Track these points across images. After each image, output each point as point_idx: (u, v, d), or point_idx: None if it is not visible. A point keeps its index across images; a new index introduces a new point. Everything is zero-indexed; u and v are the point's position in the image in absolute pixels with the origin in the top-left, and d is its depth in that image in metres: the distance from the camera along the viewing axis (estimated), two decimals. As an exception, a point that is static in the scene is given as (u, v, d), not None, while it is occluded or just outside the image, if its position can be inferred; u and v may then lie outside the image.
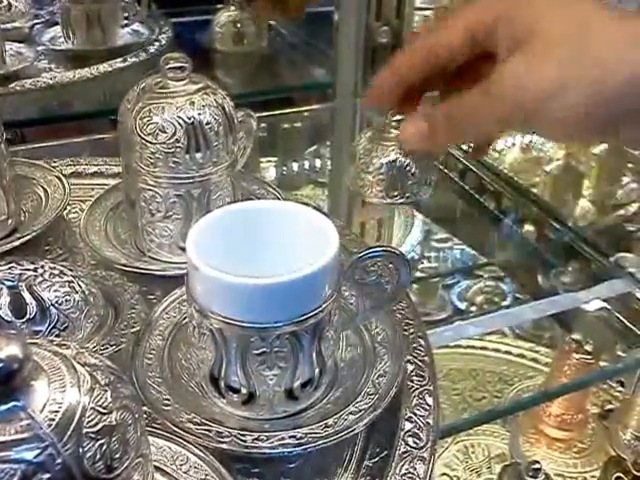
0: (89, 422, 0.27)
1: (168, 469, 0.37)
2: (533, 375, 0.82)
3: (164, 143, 0.51)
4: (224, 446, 0.39)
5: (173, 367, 0.44)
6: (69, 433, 0.26)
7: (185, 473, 0.37)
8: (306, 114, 0.97)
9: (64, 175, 0.61)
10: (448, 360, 0.82)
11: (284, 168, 0.99)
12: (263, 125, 0.89)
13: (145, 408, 0.39)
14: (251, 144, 0.58)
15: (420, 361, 0.47)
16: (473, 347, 0.84)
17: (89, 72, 0.81)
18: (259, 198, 0.60)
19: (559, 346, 0.71)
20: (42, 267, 0.50)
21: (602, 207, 0.99)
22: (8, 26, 0.84)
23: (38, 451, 0.25)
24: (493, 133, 0.49)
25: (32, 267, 0.49)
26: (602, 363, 0.69)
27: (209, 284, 0.39)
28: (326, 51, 0.89)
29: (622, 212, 0.99)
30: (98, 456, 0.26)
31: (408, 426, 0.42)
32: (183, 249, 0.42)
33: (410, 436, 0.42)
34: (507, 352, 0.85)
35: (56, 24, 0.88)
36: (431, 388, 0.45)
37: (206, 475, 0.37)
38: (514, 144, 1.04)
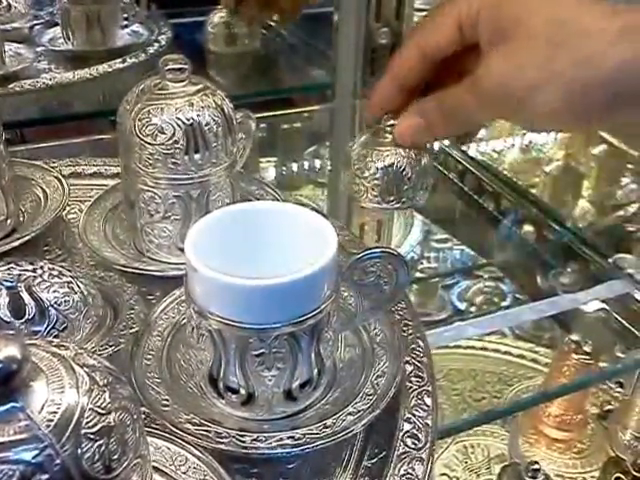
0: (88, 423, 0.27)
1: (167, 470, 0.37)
2: (532, 376, 0.82)
3: (163, 144, 0.51)
4: (223, 447, 0.39)
5: (172, 368, 0.44)
6: (68, 434, 0.26)
7: (184, 474, 0.37)
8: (305, 115, 0.97)
9: (63, 176, 0.61)
10: (448, 360, 0.82)
11: (283, 168, 0.99)
12: (263, 126, 0.89)
13: (144, 409, 0.39)
14: (250, 145, 0.58)
15: (419, 362, 0.47)
16: (473, 347, 0.84)
17: (88, 73, 0.81)
18: (258, 199, 0.60)
19: (558, 347, 0.71)
20: (41, 268, 0.50)
21: (601, 208, 0.99)
22: (8, 27, 0.84)
23: (37, 452, 0.25)
24: (484, 123, 0.50)
25: (31, 268, 0.49)
26: (601, 364, 0.69)
27: (208, 285, 0.39)
28: (326, 52, 0.89)
29: (621, 213, 0.99)
30: (97, 457, 0.26)
31: (407, 427, 0.42)
32: (182, 250, 0.42)
33: (409, 437, 0.42)
34: (507, 352, 0.85)
35: (56, 25, 0.88)
36: (430, 389, 0.45)
37: (205, 475, 0.37)
38: (513, 145, 1.05)
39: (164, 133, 0.50)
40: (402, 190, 0.49)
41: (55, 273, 0.50)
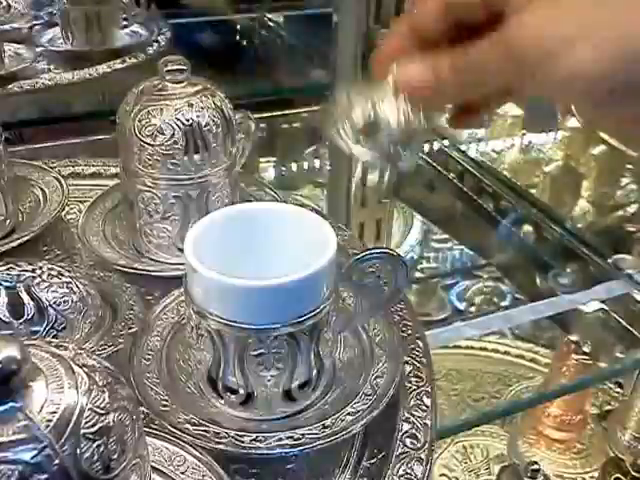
0: (87, 423, 0.27)
1: (166, 470, 0.37)
2: (532, 376, 0.82)
3: (163, 145, 0.51)
4: (222, 447, 0.39)
5: (171, 368, 0.44)
6: (67, 434, 0.26)
7: (183, 474, 0.37)
8: (305, 115, 0.97)
9: (62, 176, 0.61)
10: (447, 361, 0.83)
11: (283, 169, 0.99)
12: (262, 126, 0.89)
13: (143, 409, 0.39)
14: (250, 145, 0.58)
15: (418, 362, 0.47)
16: (472, 348, 0.84)
17: (88, 73, 0.81)
18: (257, 199, 0.60)
19: (558, 347, 0.71)
20: (40, 268, 0.50)
21: (601, 208, 0.99)
22: (7, 27, 0.84)
23: (36, 452, 0.25)
24: (495, 98, 0.44)
25: (30, 268, 0.49)
26: (600, 364, 0.69)
27: (207, 285, 0.39)
28: (325, 53, 0.89)
29: (621, 213, 0.99)
30: (96, 457, 0.27)
31: (406, 427, 0.42)
32: (181, 250, 0.42)
33: (408, 437, 0.42)
34: (506, 353, 0.85)
35: (55, 25, 0.88)
36: (429, 389, 0.45)
37: (204, 476, 0.37)
38: (513, 145, 1.05)
39: (164, 134, 0.50)
40: (382, 141, 0.42)
41: (54, 273, 0.50)
